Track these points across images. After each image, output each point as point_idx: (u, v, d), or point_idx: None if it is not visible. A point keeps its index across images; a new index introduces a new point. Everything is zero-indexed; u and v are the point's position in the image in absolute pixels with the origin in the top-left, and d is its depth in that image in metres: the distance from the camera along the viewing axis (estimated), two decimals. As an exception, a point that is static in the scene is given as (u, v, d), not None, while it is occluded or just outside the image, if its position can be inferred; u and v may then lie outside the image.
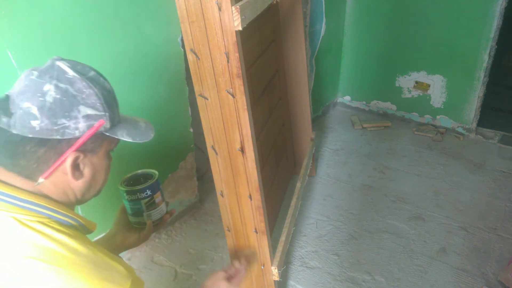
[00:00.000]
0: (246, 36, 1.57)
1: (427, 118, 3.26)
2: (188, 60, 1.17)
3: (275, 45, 2.14)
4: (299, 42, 2.15)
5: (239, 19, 1.04)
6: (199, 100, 1.23)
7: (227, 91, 1.16)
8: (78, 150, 0.71)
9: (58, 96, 0.67)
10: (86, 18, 1.49)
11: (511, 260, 1.86)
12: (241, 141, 1.24)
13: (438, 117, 3.20)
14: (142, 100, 1.82)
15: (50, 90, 0.67)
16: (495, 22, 2.67)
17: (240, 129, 1.21)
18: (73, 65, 0.71)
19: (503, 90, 3.72)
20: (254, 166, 1.27)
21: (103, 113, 0.71)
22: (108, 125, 0.73)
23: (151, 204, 1.01)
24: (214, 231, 2.22)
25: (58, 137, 0.68)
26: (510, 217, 2.24)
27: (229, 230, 1.49)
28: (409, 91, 3.26)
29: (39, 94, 0.66)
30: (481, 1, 2.66)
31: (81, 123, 0.69)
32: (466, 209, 2.32)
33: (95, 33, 1.54)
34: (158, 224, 1.06)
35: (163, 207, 1.05)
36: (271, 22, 2.04)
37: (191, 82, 1.21)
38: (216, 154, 1.31)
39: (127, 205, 1.01)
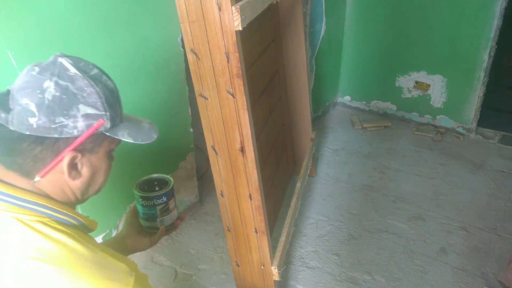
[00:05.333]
0: (246, 36, 1.57)
1: (427, 118, 3.26)
2: (188, 60, 1.17)
3: (275, 45, 2.13)
4: (299, 42, 2.15)
5: (239, 19, 1.04)
6: (199, 100, 1.23)
7: (227, 91, 1.16)
8: (75, 149, 0.69)
9: (57, 94, 0.65)
10: (86, 18, 1.49)
11: (511, 260, 1.86)
12: (241, 141, 1.24)
13: (438, 117, 3.20)
14: (142, 100, 1.82)
15: (49, 87, 0.65)
16: (495, 22, 2.66)
17: (240, 129, 1.21)
18: (76, 62, 0.69)
19: (503, 90, 3.71)
20: (254, 166, 1.27)
21: (103, 112, 0.70)
22: (108, 125, 0.71)
23: (165, 210, 1.03)
24: (214, 231, 2.22)
25: (56, 135, 0.66)
26: (510, 217, 2.24)
27: (229, 230, 1.49)
28: (409, 91, 3.26)
29: (38, 91, 0.65)
30: (481, 1, 2.66)
31: (80, 122, 0.67)
32: (466, 209, 2.32)
33: (95, 33, 1.54)
34: (169, 230, 1.07)
35: (175, 212, 1.07)
36: (271, 22, 2.04)
37: (191, 82, 1.21)
38: (216, 154, 1.31)
39: (141, 209, 1.02)
